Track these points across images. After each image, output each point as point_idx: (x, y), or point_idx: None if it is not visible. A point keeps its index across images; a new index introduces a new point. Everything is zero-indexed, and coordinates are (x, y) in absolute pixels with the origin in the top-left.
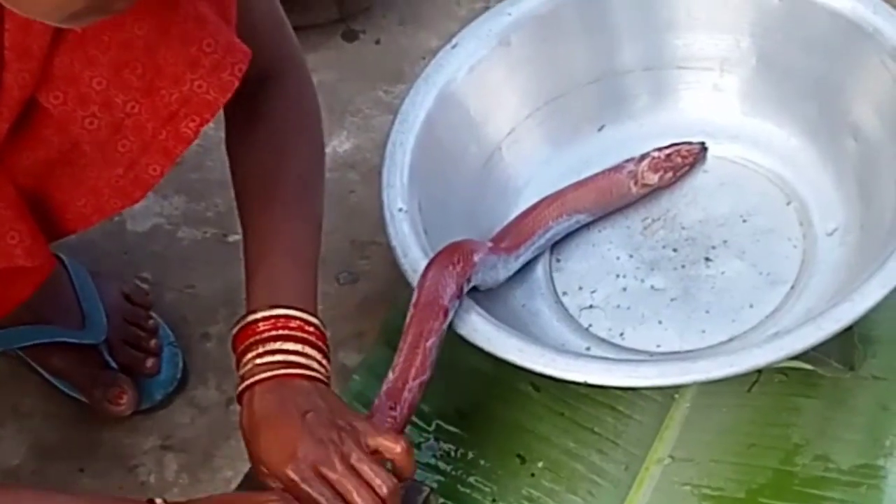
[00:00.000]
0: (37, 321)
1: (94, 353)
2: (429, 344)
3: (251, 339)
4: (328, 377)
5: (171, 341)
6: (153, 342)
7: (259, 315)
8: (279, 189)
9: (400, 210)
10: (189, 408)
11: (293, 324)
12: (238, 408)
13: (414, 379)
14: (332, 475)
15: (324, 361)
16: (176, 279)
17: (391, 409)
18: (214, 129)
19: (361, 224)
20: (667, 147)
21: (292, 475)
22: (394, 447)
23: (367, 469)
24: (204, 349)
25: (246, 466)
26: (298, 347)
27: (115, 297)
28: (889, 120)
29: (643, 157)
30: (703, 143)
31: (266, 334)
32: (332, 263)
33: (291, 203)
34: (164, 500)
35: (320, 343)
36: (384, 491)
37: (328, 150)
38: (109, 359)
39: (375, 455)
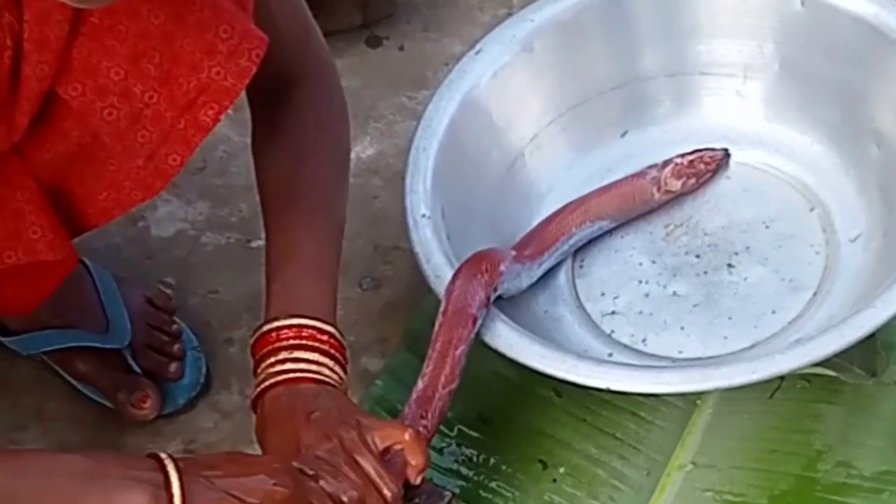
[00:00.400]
0: (61, 325)
1: (118, 357)
2: (458, 352)
3: (266, 349)
4: (341, 383)
5: (194, 346)
6: (177, 347)
7: (274, 325)
8: (301, 196)
9: (423, 216)
10: (212, 412)
11: (306, 333)
12: None
13: (444, 387)
14: (334, 471)
15: (336, 368)
16: (199, 284)
17: (422, 417)
18: (239, 135)
19: (384, 229)
20: (690, 153)
21: (296, 464)
22: (401, 435)
23: (370, 469)
24: (227, 354)
25: None
26: (311, 356)
27: (139, 302)
28: None
29: (666, 163)
30: (726, 150)
31: (279, 344)
32: (354, 269)
33: (313, 210)
34: (169, 455)
35: (333, 351)
36: (387, 493)
37: (352, 155)
38: (133, 363)
39: (384, 454)
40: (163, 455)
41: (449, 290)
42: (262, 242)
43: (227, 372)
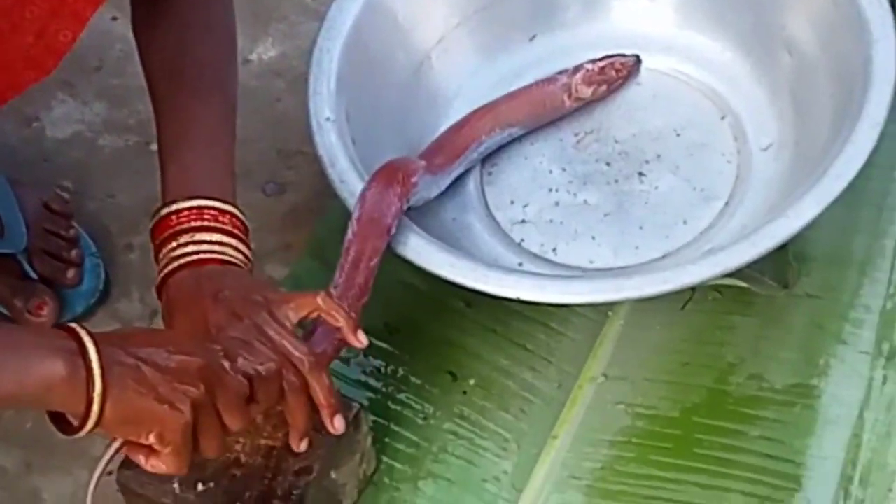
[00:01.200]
0: None
1: (14, 263)
2: (372, 264)
3: (167, 233)
4: (246, 263)
5: (92, 252)
6: (74, 252)
7: (174, 207)
8: (189, 74)
9: (327, 119)
10: (112, 321)
11: (207, 214)
12: (159, 320)
13: (357, 299)
14: (248, 347)
15: (240, 247)
16: (97, 188)
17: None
18: None
19: (288, 133)
20: (601, 59)
21: (207, 344)
22: (313, 301)
23: (283, 341)
24: (127, 260)
25: None
26: (214, 237)
27: (35, 206)
28: (824, 34)
29: (577, 69)
30: (637, 56)
31: (180, 226)
32: (257, 173)
33: (203, 88)
34: (80, 324)
35: (236, 231)
36: (305, 366)
37: (253, 57)
38: (29, 269)
39: (310, 336)
40: (73, 325)
41: (363, 198)
42: None
43: (126, 279)
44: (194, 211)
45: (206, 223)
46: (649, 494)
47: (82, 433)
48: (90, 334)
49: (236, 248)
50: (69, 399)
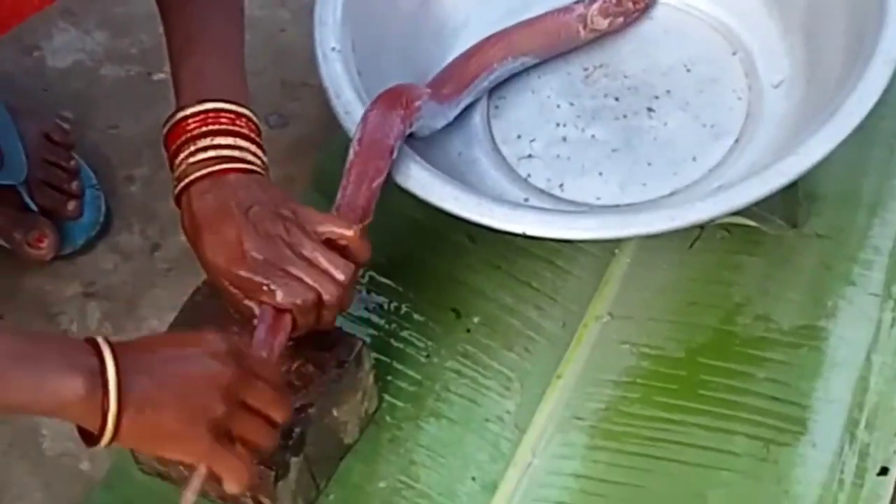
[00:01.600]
0: None
1: (13, 194)
2: (374, 185)
3: (182, 138)
4: (265, 168)
5: (93, 184)
6: (74, 184)
7: (188, 111)
8: None
9: (333, 49)
10: (112, 254)
11: (224, 118)
12: (161, 254)
13: (360, 221)
14: (286, 267)
15: (259, 153)
16: (99, 119)
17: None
18: None
19: (292, 64)
20: None
21: (244, 273)
22: (346, 232)
23: (321, 258)
24: (128, 192)
25: (170, 316)
26: (231, 141)
27: (35, 136)
28: None
29: (593, 0)
30: None
31: (196, 131)
32: (261, 105)
33: None
34: (106, 339)
35: (253, 135)
36: (342, 278)
37: None
38: (29, 201)
39: (327, 244)
40: (99, 339)
41: (365, 119)
42: (164, 76)
43: (127, 211)
44: (210, 114)
45: (223, 126)
46: (653, 436)
47: (100, 446)
48: (113, 351)
49: (255, 154)
50: (85, 416)
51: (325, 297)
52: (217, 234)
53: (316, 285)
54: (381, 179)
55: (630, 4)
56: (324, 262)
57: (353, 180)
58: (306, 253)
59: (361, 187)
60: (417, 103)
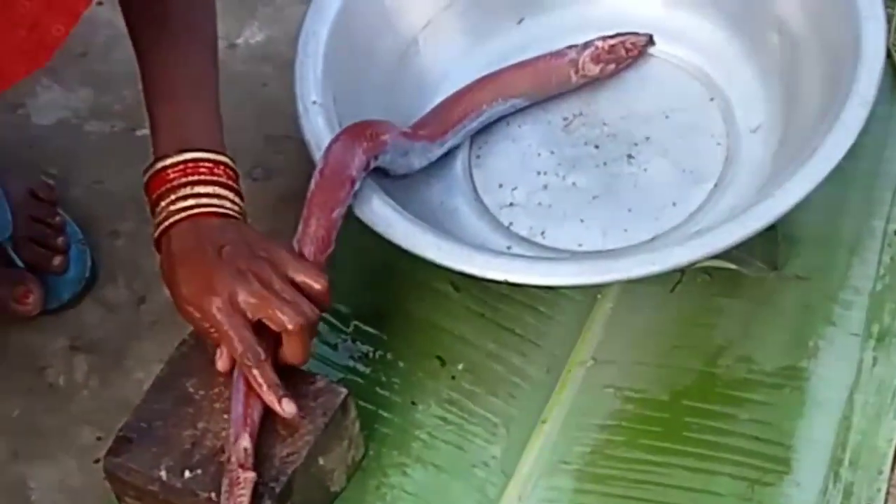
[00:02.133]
0: None
1: None
2: (334, 215)
3: (163, 188)
4: (242, 213)
5: (78, 239)
6: (60, 239)
7: (168, 162)
8: (168, 20)
9: (314, 103)
10: (98, 307)
11: (203, 167)
12: (147, 307)
13: (321, 252)
14: (251, 300)
15: (236, 199)
16: (83, 175)
17: None
18: (122, 20)
19: (275, 118)
20: (612, 37)
21: (211, 308)
22: (314, 285)
23: (288, 297)
24: (113, 247)
25: (157, 368)
26: (210, 190)
27: (20, 193)
28: (814, 13)
29: (586, 45)
30: (650, 36)
31: (177, 181)
32: (245, 159)
33: (183, 33)
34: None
35: (231, 182)
36: (309, 317)
37: (240, 41)
38: (15, 257)
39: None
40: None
41: (328, 150)
42: (147, 132)
43: (113, 266)
44: (190, 164)
45: (202, 177)
46: (639, 478)
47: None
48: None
49: (232, 201)
50: None
51: (289, 325)
52: (189, 268)
53: (279, 311)
54: (341, 210)
55: (623, 51)
56: (291, 298)
57: (314, 211)
58: (276, 287)
59: (322, 218)
60: (384, 137)
